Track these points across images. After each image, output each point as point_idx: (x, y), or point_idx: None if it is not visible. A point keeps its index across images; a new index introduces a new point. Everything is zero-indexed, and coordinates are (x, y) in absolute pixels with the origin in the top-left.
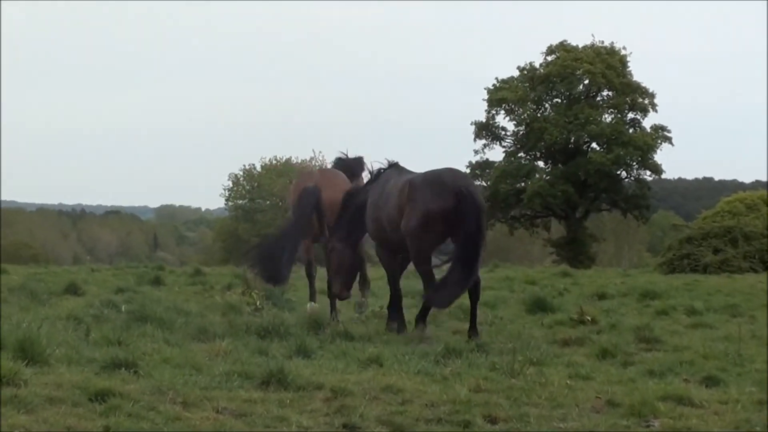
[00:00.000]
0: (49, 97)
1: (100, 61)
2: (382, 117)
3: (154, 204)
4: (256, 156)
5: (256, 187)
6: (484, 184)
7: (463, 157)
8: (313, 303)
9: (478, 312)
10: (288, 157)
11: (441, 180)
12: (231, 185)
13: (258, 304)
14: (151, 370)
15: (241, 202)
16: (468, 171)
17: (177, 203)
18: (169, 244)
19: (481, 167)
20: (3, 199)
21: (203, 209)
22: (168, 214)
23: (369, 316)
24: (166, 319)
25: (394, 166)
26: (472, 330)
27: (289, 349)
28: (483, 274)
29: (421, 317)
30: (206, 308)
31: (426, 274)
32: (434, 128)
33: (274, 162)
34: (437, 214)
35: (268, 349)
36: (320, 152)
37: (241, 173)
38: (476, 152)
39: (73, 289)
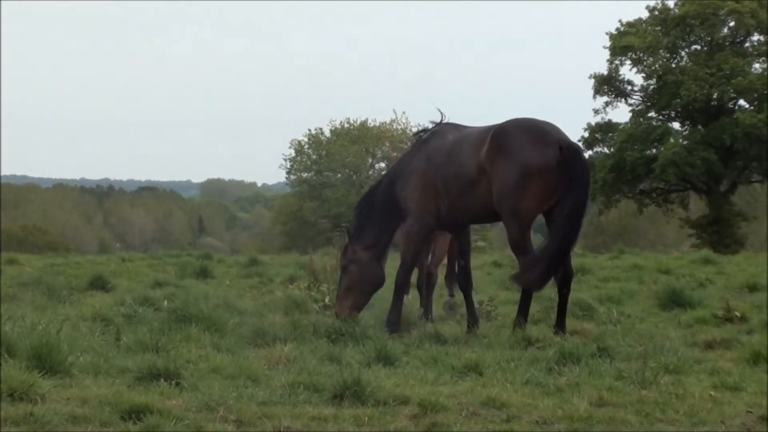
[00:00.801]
0: (67, 50)
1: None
2: (475, 70)
3: (198, 178)
4: (324, 118)
5: (324, 157)
6: (606, 150)
7: (578, 118)
8: (450, 298)
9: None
10: (363, 119)
11: (541, 128)
12: (293, 154)
13: (327, 300)
14: (196, 382)
15: (306, 175)
16: (586, 135)
17: (227, 177)
18: (217, 227)
19: (602, 130)
20: (13, 173)
21: (259, 184)
22: (216, 190)
23: (463, 315)
24: (214, 319)
25: (446, 124)
26: (560, 323)
27: (366, 355)
28: (605, 261)
29: (523, 311)
30: (264, 306)
31: (525, 252)
32: (538, 84)
33: (346, 126)
34: (543, 170)
35: (341, 356)
36: (403, 113)
37: (306, 140)
38: (596, 112)
39: (99, 284)
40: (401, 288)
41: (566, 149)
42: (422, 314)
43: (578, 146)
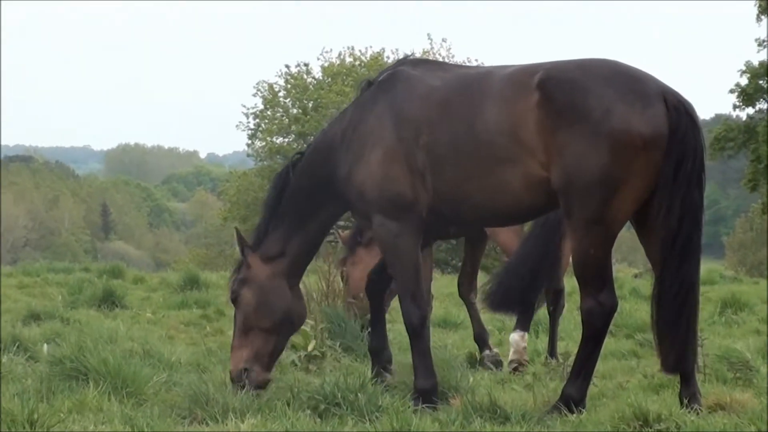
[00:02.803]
0: None
1: None
2: None
3: (102, 143)
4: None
5: (311, 111)
6: None
7: (721, 54)
8: (520, 331)
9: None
10: (376, 49)
11: (631, 74)
12: (260, 107)
13: (313, 347)
14: None
15: (280, 140)
16: (744, 81)
17: (147, 142)
18: (132, 223)
19: None
20: None
21: (203, 155)
22: (131, 163)
23: (535, 374)
24: (126, 376)
25: (417, 61)
26: (552, 350)
27: None
28: None
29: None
30: (209, 355)
31: (603, 283)
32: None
33: (348, 60)
34: (650, 144)
35: None
36: (443, 41)
37: (282, 83)
38: (760, 44)
39: None
40: (418, 331)
41: (675, 108)
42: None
43: (690, 103)
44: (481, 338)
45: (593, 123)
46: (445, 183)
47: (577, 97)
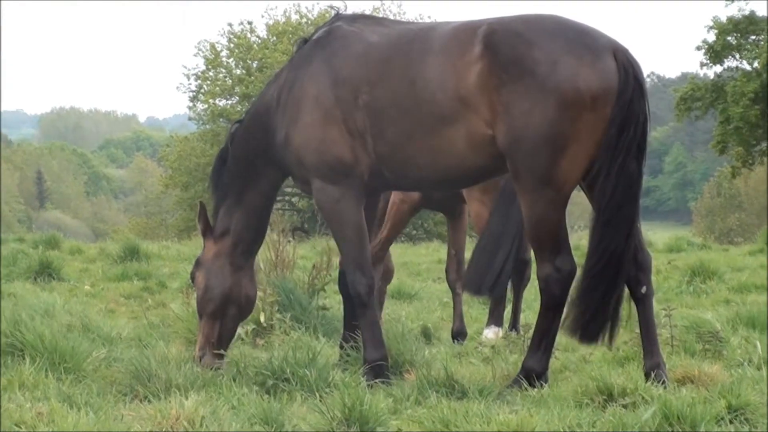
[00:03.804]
0: None
1: None
2: None
3: (35, 108)
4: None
5: (255, 71)
6: (745, 66)
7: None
8: (494, 327)
9: None
10: (326, 6)
11: (578, 27)
12: (202, 68)
13: (263, 320)
14: None
15: (224, 102)
16: (712, 38)
17: (84, 106)
18: (69, 191)
19: (740, 30)
20: None
21: (142, 119)
22: (66, 128)
23: (500, 344)
24: (63, 351)
25: (353, 17)
26: (514, 323)
27: (327, 417)
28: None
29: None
30: (151, 330)
31: (558, 250)
32: None
33: (294, 18)
34: (600, 99)
35: (282, 418)
36: None
37: (226, 42)
38: None
39: None
40: (365, 301)
41: (624, 68)
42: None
43: (638, 64)
44: (459, 334)
45: (539, 77)
46: (386, 144)
47: (522, 50)
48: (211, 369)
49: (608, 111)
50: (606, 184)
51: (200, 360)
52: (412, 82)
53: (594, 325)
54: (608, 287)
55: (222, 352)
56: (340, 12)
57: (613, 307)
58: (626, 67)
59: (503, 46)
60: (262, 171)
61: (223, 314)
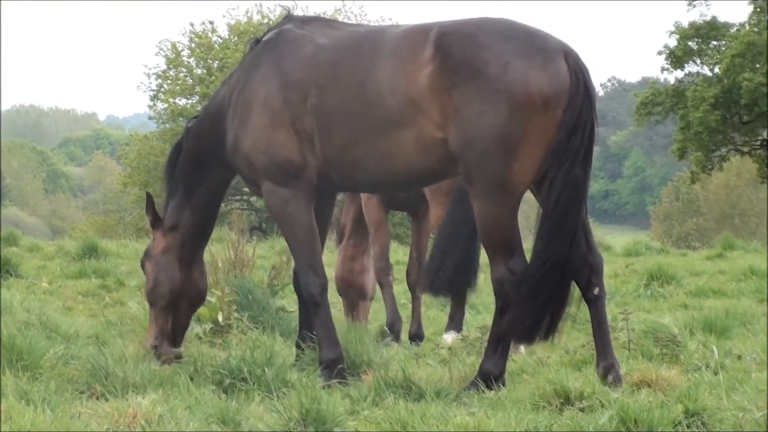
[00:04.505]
0: None
1: None
2: None
3: None
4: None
5: (215, 71)
6: (706, 71)
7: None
8: (453, 333)
9: None
10: (285, 5)
11: (528, 30)
12: (163, 67)
13: (221, 318)
14: None
15: (183, 102)
16: (673, 43)
17: (44, 104)
18: (27, 189)
19: (701, 35)
20: None
21: (102, 117)
22: (26, 126)
23: (457, 346)
24: (21, 348)
25: (304, 19)
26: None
27: (284, 416)
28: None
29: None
30: (108, 327)
31: (511, 251)
32: None
33: (256, 18)
34: (551, 101)
35: (239, 417)
36: None
37: (187, 42)
38: (691, 3)
39: None
40: (318, 301)
41: (575, 72)
42: (387, 336)
43: (588, 69)
44: (417, 336)
45: (491, 79)
46: (334, 147)
47: (473, 52)
48: (167, 361)
49: (559, 113)
50: (552, 189)
51: (154, 350)
52: (361, 85)
53: (532, 328)
54: (550, 292)
55: (177, 349)
56: (291, 13)
57: (552, 312)
58: (576, 72)
59: (454, 48)
60: (211, 169)
61: (175, 308)
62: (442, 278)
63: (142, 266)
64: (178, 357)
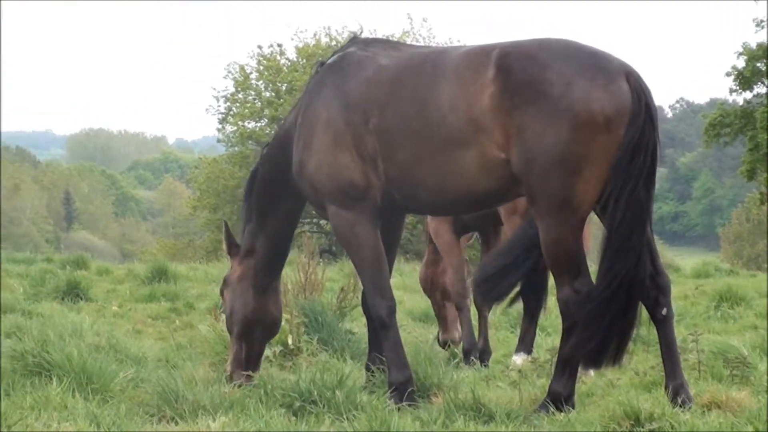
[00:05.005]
0: None
1: None
2: None
3: (64, 128)
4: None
5: (285, 93)
6: None
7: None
8: (523, 354)
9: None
10: (354, 29)
11: (590, 50)
12: (231, 90)
13: (290, 341)
14: None
15: (253, 125)
16: (741, 64)
17: (113, 127)
18: (97, 212)
19: None
20: None
21: (171, 140)
22: (95, 149)
23: (527, 368)
24: (91, 371)
25: (367, 41)
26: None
27: None
28: None
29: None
30: (178, 351)
31: (577, 273)
32: None
33: (324, 40)
34: (614, 121)
35: None
36: (424, 21)
37: (255, 64)
38: (759, 24)
39: None
40: (387, 323)
41: (636, 92)
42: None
43: (649, 90)
44: (484, 354)
45: (553, 99)
46: (396, 168)
47: (535, 72)
48: (239, 386)
49: (621, 133)
50: (616, 209)
51: (230, 377)
52: (423, 105)
53: (599, 351)
54: (617, 314)
55: (250, 373)
56: (356, 36)
57: (619, 333)
58: (638, 91)
59: (516, 68)
60: (283, 196)
61: (249, 336)
62: (493, 284)
63: (221, 294)
64: (249, 378)
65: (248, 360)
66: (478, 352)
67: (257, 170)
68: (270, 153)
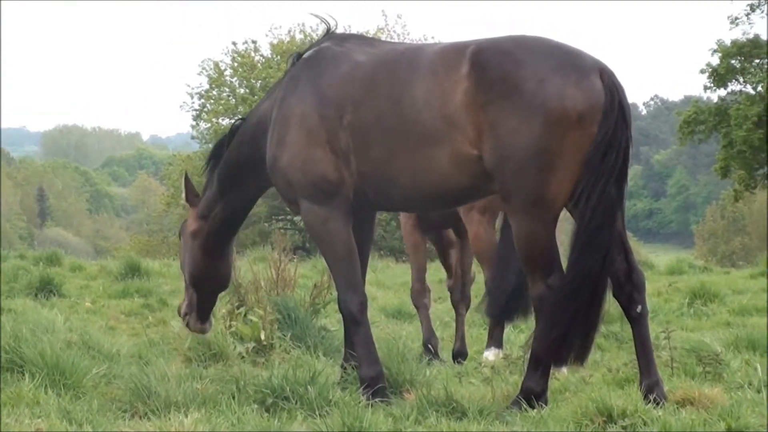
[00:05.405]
0: None
1: None
2: None
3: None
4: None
5: (258, 90)
6: (749, 90)
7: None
8: (494, 349)
9: None
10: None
11: (563, 47)
12: (206, 87)
13: (263, 337)
14: None
15: (227, 121)
16: (716, 61)
17: (87, 124)
18: (71, 209)
19: (744, 53)
20: None
21: (145, 137)
22: (69, 146)
23: (500, 365)
24: (64, 367)
25: (343, 36)
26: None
27: None
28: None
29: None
30: (151, 347)
31: (550, 268)
32: None
33: (299, 37)
34: (586, 118)
35: None
36: (399, 17)
37: (229, 61)
38: (734, 21)
39: None
40: (358, 319)
41: (609, 90)
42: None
43: (623, 88)
44: (460, 354)
45: (526, 95)
46: (369, 164)
47: (509, 68)
48: (196, 333)
49: (594, 130)
50: (586, 206)
51: (184, 319)
52: (397, 102)
53: (560, 345)
54: (579, 307)
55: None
56: (331, 29)
57: (583, 328)
58: (611, 89)
59: (490, 64)
60: (245, 182)
61: (199, 287)
62: (502, 304)
63: (179, 237)
64: (203, 332)
65: (200, 310)
66: (433, 344)
67: (223, 141)
68: (240, 140)
